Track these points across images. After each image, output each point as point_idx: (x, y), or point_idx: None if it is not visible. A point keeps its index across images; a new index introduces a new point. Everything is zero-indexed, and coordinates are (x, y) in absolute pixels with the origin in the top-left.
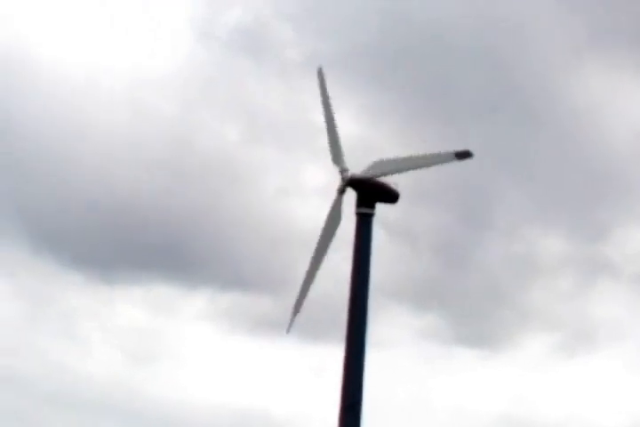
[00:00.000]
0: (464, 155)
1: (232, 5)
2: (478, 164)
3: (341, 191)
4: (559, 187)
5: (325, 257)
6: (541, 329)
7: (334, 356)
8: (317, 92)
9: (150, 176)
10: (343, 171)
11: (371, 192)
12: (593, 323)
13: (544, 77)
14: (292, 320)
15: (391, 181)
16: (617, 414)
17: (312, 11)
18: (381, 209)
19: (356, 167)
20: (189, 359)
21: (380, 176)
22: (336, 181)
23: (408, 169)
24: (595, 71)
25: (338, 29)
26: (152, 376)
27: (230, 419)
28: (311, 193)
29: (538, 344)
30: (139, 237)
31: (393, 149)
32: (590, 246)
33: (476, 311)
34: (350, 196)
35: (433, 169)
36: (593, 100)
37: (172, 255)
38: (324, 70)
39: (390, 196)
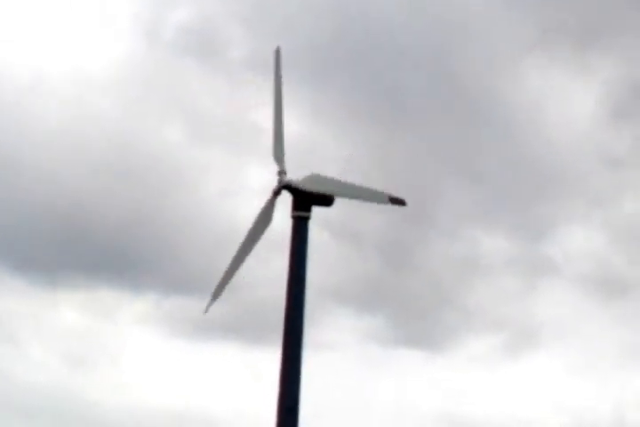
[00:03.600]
0: (398, 202)
1: (177, 4)
2: (420, 163)
3: (276, 193)
4: (501, 186)
5: (248, 257)
6: (485, 330)
7: (274, 359)
8: (262, 91)
9: (93, 178)
10: (281, 172)
11: (307, 195)
12: (536, 323)
13: (486, 76)
14: (210, 304)
15: None
16: (559, 414)
17: (258, 10)
18: (323, 210)
19: (295, 168)
20: (129, 363)
21: (314, 190)
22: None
23: (342, 195)
24: (537, 70)
25: (283, 29)
26: (91, 380)
27: (169, 422)
28: (255, 194)
29: (481, 345)
30: (82, 240)
31: (336, 149)
32: (532, 246)
33: (418, 312)
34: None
35: (371, 161)
36: (534, 100)
37: (116, 259)
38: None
39: (325, 199)
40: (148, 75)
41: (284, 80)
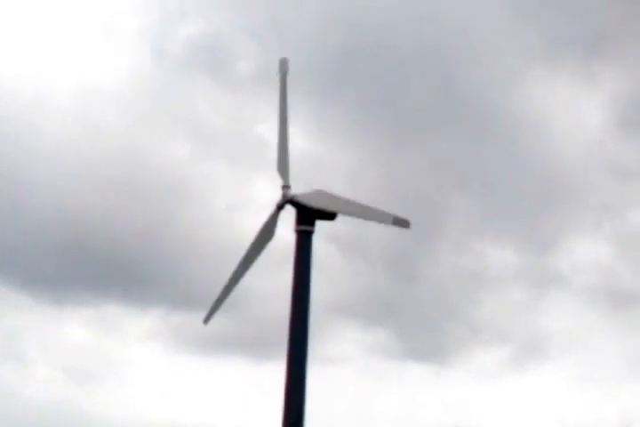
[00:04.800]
0: (402, 223)
1: (184, 19)
2: (426, 175)
3: (280, 207)
4: (507, 198)
5: (248, 272)
6: (492, 342)
7: (280, 373)
8: (268, 106)
9: (99, 194)
10: (285, 187)
11: (310, 209)
12: (543, 335)
13: (492, 88)
14: (209, 314)
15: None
16: (567, 426)
17: (265, 25)
18: (330, 224)
19: (301, 182)
20: (135, 379)
21: (318, 208)
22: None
23: (346, 214)
24: (542, 81)
25: (288, 43)
26: (97, 397)
27: None
28: (261, 208)
29: (488, 357)
30: (88, 256)
31: (342, 164)
32: (539, 258)
33: (425, 325)
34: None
35: (378, 175)
36: (540, 111)
37: (122, 275)
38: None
39: (329, 214)
40: (154, 89)
41: (291, 95)
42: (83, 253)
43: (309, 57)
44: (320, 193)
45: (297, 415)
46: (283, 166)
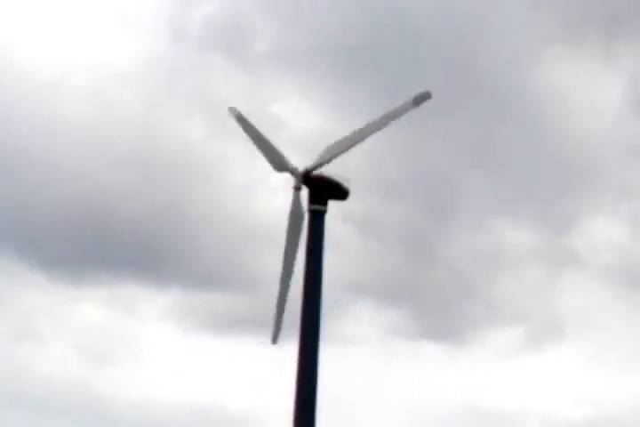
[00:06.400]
0: (423, 97)
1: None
2: (444, 155)
3: (298, 188)
4: (524, 178)
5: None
6: (508, 322)
7: (294, 353)
8: (284, 85)
9: (116, 174)
10: (293, 170)
11: (322, 189)
12: (559, 315)
13: (509, 67)
14: (276, 330)
15: (342, 176)
16: (582, 406)
17: (282, 5)
18: (347, 204)
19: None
20: (151, 358)
21: (331, 160)
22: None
23: (369, 133)
24: (560, 61)
25: (304, 22)
26: (113, 376)
27: (188, 415)
28: (277, 188)
29: (504, 337)
30: (105, 235)
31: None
32: (556, 238)
33: (441, 305)
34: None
35: (396, 156)
36: (560, 91)
37: (140, 254)
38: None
39: (340, 192)
40: (170, 70)
41: (309, 74)
42: (99, 233)
43: (328, 37)
44: (328, 148)
45: (309, 395)
46: (277, 163)
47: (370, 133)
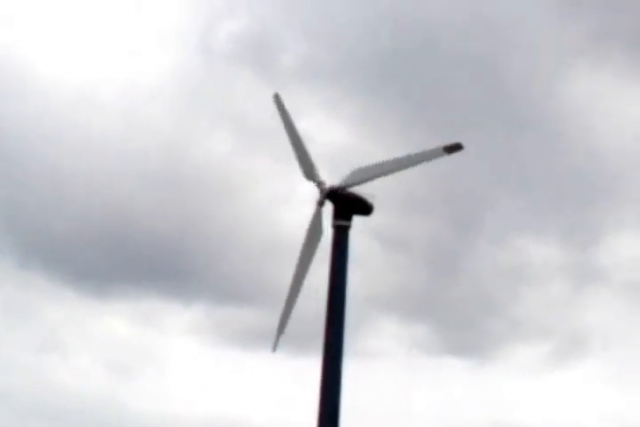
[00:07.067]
0: (454, 148)
1: (229, 14)
2: (468, 170)
3: (321, 204)
4: (549, 193)
5: (308, 272)
6: (532, 338)
7: (318, 368)
8: (311, 100)
9: (143, 188)
10: (320, 184)
11: (347, 204)
12: (584, 331)
13: (535, 81)
14: (277, 339)
15: (368, 192)
16: (605, 422)
17: (309, 20)
18: (372, 219)
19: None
20: (176, 373)
21: (359, 183)
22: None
23: (395, 170)
24: (587, 75)
25: (332, 37)
26: (137, 390)
27: None
28: (303, 203)
29: (528, 353)
30: (131, 250)
31: (384, 158)
32: (581, 254)
33: (465, 321)
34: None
35: (421, 171)
36: (584, 105)
37: (165, 268)
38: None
39: (365, 208)
40: (198, 85)
41: (336, 90)
42: (125, 247)
43: (356, 53)
44: (357, 171)
45: (332, 410)
46: (308, 171)
47: (402, 168)
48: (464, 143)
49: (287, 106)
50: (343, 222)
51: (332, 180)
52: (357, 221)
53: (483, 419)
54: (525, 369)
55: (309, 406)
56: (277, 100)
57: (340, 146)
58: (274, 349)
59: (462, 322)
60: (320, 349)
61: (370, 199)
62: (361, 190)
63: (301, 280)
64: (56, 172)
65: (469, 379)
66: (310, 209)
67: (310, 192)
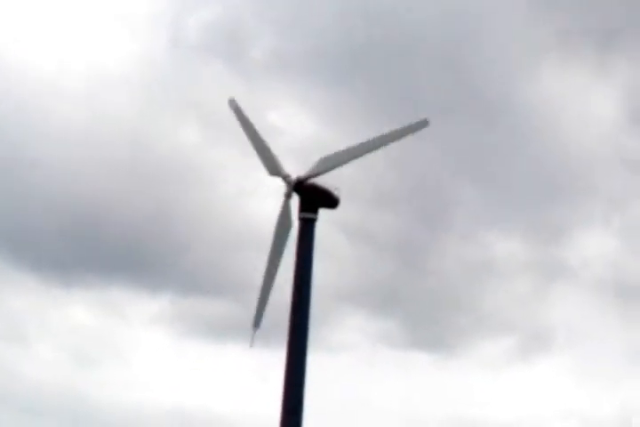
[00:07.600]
0: (421, 124)
1: (200, 4)
2: (436, 165)
3: (288, 196)
4: (516, 189)
5: (280, 264)
6: (497, 333)
7: (282, 360)
8: (279, 92)
9: (108, 177)
10: (286, 177)
11: (313, 197)
12: (549, 327)
13: (503, 78)
14: (252, 335)
15: (333, 184)
16: (569, 417)
17: (275, 10)
18: (339, 212)
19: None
20: (139, 363)
21: (326, 172)
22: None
23: (356, 156)
24: (551, 71)
25: (302, 30)
26: (101, 380)
27: (175, 421)
28: (270, 194)
29: (494, 348)
30: (96, 239)
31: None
32: (547, 250)
33: (431, 315)
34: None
35: (388, 165)
36: (553, 102)
37: (131, 259)
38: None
39: (331, 201)
40: (166, 75)
41: (305, 81)
42: (91, 236)
43: (326, 45)
44: (323, 159)
45: (296, 401)
46: (271, 166)
47: (366, 152)
48: (431, 135)
49: (257, 98)
50: (309, 215)
51: (300, 171)
52: (323, 215)
53: (446, 412)
54: (490, 364)
55: (273, 398)
56: (233, 104)
57: (310, 137)
58: (251, 344)
59: (428, 316)
60: (285, 341)
61: (335, 192)
62: (327, 183)
63: (274, 274)
64: (21, 160)
65: (434, 373)
66: (278, 201)
67: (278, 184)
